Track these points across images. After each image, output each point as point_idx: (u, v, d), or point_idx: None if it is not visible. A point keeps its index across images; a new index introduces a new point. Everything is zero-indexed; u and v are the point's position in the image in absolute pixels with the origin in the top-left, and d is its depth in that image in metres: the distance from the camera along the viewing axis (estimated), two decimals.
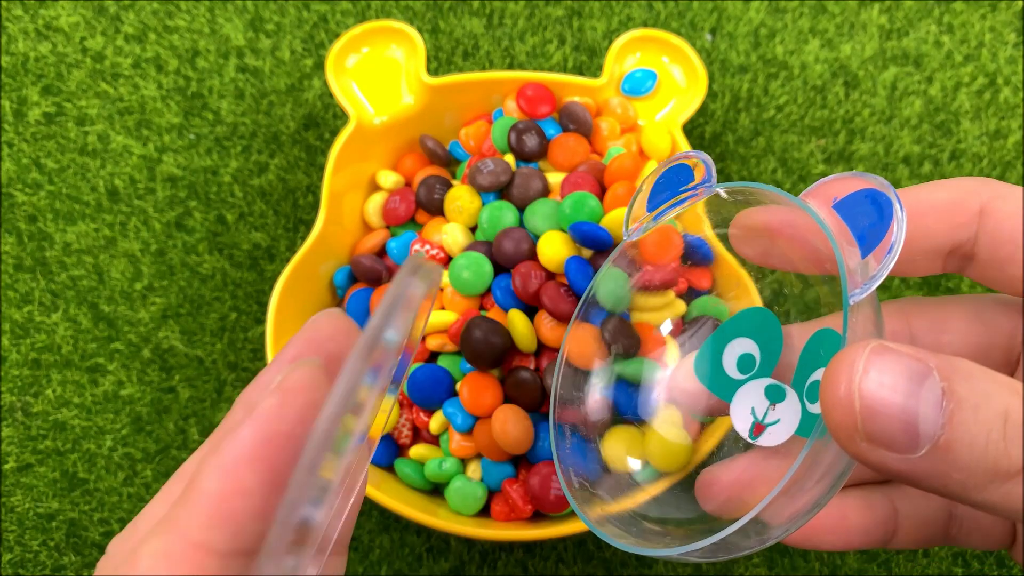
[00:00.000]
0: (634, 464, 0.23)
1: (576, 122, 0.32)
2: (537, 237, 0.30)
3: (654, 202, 0.23)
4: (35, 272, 0.35)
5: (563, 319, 0.28)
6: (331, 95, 0.38)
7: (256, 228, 0.36)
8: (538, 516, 0.30)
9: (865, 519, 0.21)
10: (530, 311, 0.29)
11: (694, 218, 0.23)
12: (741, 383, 0.22)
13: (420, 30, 0.39)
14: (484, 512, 0.30)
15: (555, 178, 0.31)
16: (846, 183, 0.18)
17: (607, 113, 0.34)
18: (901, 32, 0.40)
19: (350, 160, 0.33)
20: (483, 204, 0.31)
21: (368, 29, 0.34)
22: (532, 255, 0.29)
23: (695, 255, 0.24)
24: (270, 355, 0.29)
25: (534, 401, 0.28)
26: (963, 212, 0.19)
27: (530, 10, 0.40)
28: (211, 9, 0.39)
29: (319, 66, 0.39)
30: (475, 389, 0.28)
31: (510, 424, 0.28)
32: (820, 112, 0.39)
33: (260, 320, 0.35)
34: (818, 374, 0.20)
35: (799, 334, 0.21)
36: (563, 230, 0.29)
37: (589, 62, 0.40)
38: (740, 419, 0.22)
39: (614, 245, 0.28)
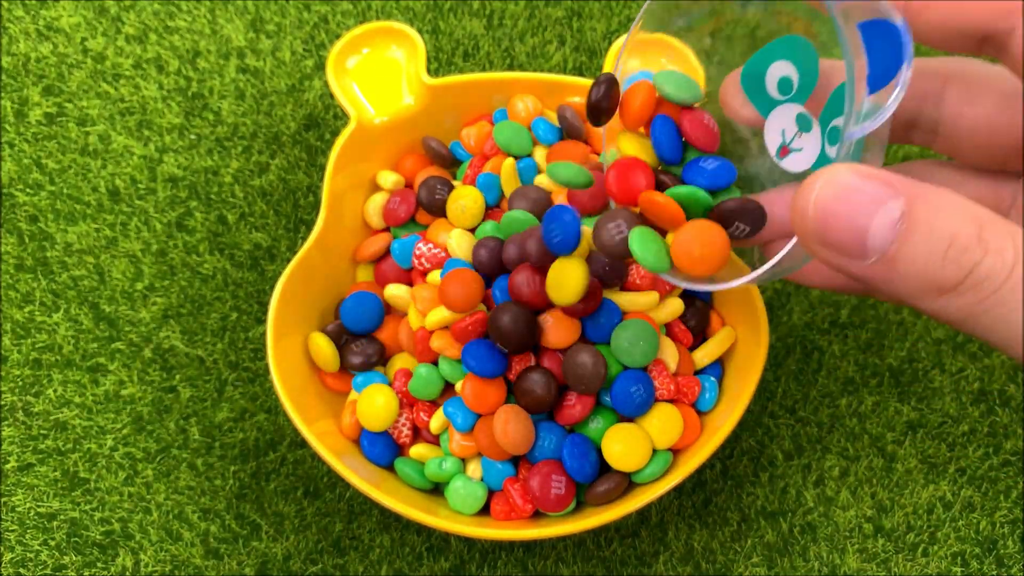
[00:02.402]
0: None
1: (568, 129, 0.33)
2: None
3: None
4: (36, 272, 0.35)
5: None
6: (332, 96, 0.38)
7: (257, 228, 0.37)
8: (538, 515, 0.30)
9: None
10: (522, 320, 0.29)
11: None
12: (777, 103, 0.23)
13: (420, 31, 0.40)
14: (484, 512, 0.30)
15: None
16: (878, 4, 0.19)
17: None
18: None
19: (350, 160, 0.33)
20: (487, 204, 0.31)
21: (369, 30, 0.34)
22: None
23: None
24: (270, 355, 0.29)
25: (543, 404, 0.28)
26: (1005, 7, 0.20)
27: (530, 11, 0.40)
28: (212, 10, 0.39)
29: (320, 67, 0.39)
30: (478, 388, 0.28)
31: (511, 424, 0.28)
32: None
33: (261, 320, 0.35)
34: (837, 122, 0.21)
35: (836, 72, 0.23)
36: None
37: (589, 63, 0.40)
38: (771, 137, 0.23)
39: None
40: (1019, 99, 0.21)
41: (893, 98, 0.18)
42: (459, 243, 0.30)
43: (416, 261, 0.31)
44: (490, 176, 0.32)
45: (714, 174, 0.24)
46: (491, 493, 0.30)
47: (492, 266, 0.29)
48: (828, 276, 0.25)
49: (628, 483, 0.29)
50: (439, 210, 0.32)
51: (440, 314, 0.29)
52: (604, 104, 0.25)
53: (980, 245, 0.17)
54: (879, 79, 0.19)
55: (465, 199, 0.31)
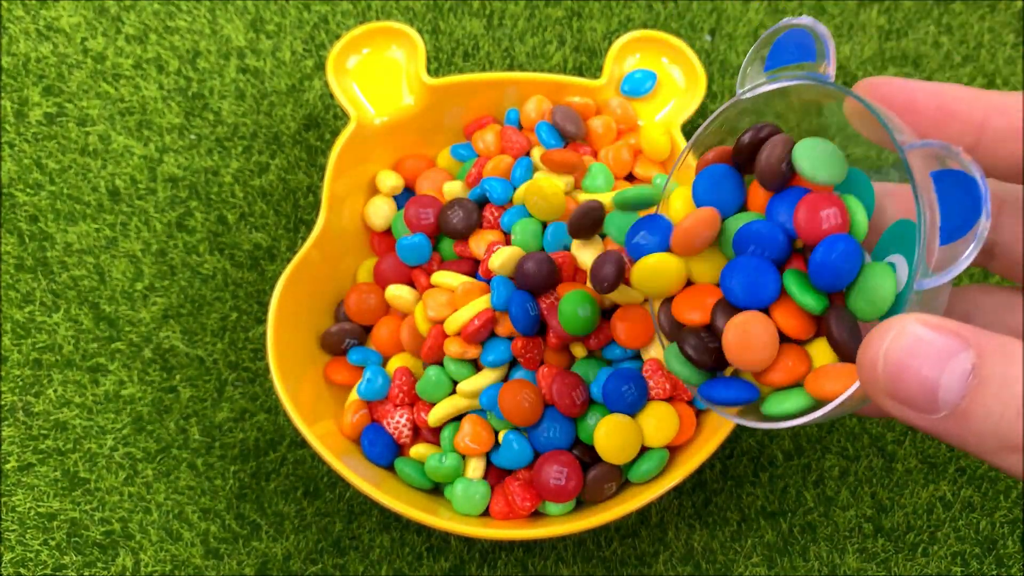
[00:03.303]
0: None
1: (567, 134, 0.33)
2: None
3: (773, 63, 0.22)
4: (36, 272, 0.35)
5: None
6: (332, 96, 0.38)
7: (257, 228, 0.37)
8: (538, 515, 0.30)
9: None
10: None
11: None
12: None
13: (420, 31, 0.40)
14: (484, 511, 0.30)
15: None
16: (951, 156, 0.18)
17: (606, 113, 0.34)
18: (900, 33, 0.40)
19: (350, 161, 0.33)
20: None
21: (369, 30, 0.34)
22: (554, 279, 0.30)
23: None
24: (271, 355, 0.29)
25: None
26: (965, 122, 0.20)
27: (530, 11, 0.40)
28: (212, 10, 0.39)
29: (320, 67, 0.39)
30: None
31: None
32: None
33: (261, 320, 0.35)
34: (894, 257, 0.21)
35: (893, 204, 0.22)
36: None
37: (589, 63, 0.40)
38: None
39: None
40: None
41: (968, 253, 0.17)
42: (502, 260, 0.30)
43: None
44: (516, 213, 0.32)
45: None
46: (492, 494, 0.30)
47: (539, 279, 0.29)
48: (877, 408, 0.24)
49: (622, 477, 0.29)
50: (462, 235, 0.32)
51: (462, 317, 0.29)
52: (612, 283, 0.26)
53: None
54: (954, 232, 0.18)
55: (543, 189, 0.31)
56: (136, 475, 0.33)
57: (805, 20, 0.21)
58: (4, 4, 0.39)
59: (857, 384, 0.19)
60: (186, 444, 0.34)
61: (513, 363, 0.30)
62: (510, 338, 0.30)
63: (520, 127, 0.34)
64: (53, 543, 0.32)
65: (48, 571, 0.32)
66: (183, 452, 0.33)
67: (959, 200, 0.18)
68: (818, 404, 0.20)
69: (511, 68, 0.40)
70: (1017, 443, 0.16)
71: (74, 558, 0.32)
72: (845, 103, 0.21)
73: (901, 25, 0.40)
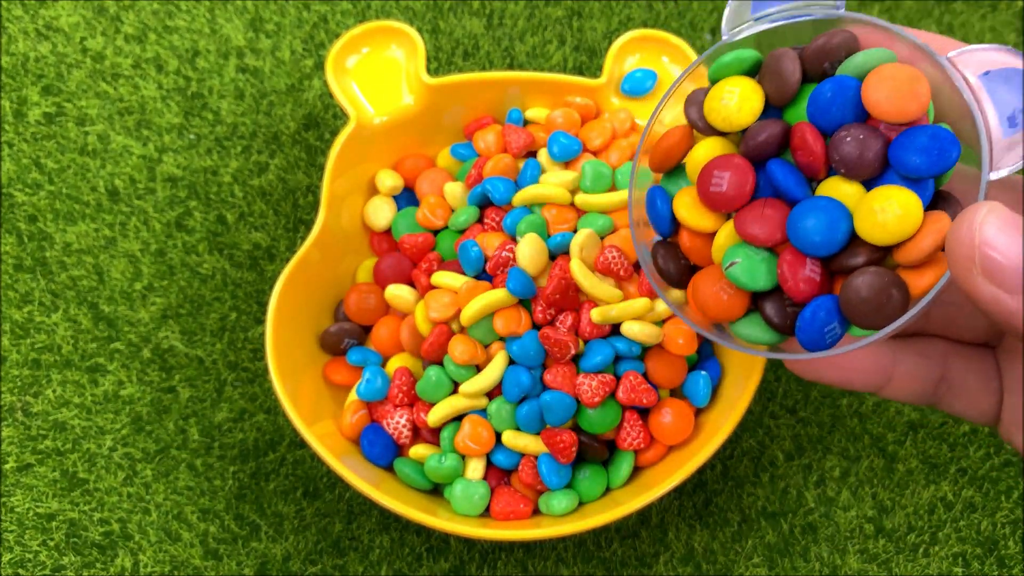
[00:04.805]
0: None
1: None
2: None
3: (761, 6, 0.22)
4: (35, 272, 0.35)
5: None
6: (331, 95, 0.38)
7: (256, 228, 0.36)
8: (538, 515, 0.30)
9: (866, 360, 0.24)
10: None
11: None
12: None
13: (420, 30, 0.39)
14: (484, 512, 0.30)
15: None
16: (993, 55, 0.19)
17: (606, 112, 0.34)
18: None
19: (350, 160, 0.33)
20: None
21: (368, 29, 0.34)
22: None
23: None
24: (270, 355, 0.29)
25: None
26: None
27: (530, 10, 0.40)
28: (211, 9, 0.39)
29: (319, 66, 0.39)
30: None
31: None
32: None
33: (260, 320, 0.35)
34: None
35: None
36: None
37: (589, 62, 0.40)
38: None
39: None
40: None
41: None
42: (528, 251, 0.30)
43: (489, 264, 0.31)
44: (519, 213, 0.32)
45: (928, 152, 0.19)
46: (491, 493, 0.30)
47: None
48: (848, 372, 0.24)
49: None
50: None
51: (478, 303, 0.29)
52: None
53: None
54: (1013, 119, 0.19)
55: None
56: (135, 475, 0.33)
57: None
58: (3, 3, 0.38)
59: (947, 275, 0.19)
60: (185, 444, 0.33)
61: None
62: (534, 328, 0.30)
63: (524, 123, 0.34)
64: (52, 544, 0.32)
65: (47, 572, 0.32)
66: (182, 452, 0.33)
67: (1009, 94, 0.18)
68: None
69: (511, 67, 0.40)
70: None
71: (73, 559, 0.32)
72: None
73: (902, 24, 0.40)
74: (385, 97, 0.34)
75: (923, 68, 0.20)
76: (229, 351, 0.35)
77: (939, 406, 0.25)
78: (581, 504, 0.30)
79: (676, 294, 0.24)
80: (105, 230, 0.36)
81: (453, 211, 0.33)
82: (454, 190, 0.33)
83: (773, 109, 0.22)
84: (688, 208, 0.22)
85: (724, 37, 0.23)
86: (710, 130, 0.22)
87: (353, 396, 0.31)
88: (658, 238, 0.24)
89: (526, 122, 0.34)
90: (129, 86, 0.38)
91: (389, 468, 0.31)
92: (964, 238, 0.17)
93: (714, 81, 0.23)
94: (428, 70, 0.38)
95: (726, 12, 0.23)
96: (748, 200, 0.21)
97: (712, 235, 0.22)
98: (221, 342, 0.35)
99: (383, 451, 0.30)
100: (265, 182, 0.37)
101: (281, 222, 0.37)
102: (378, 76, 0.34)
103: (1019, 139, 0.18)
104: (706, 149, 0.22)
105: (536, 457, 0.29)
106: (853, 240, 0.20)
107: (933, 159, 0.19)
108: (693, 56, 0.34)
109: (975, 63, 0.19)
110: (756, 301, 0.22)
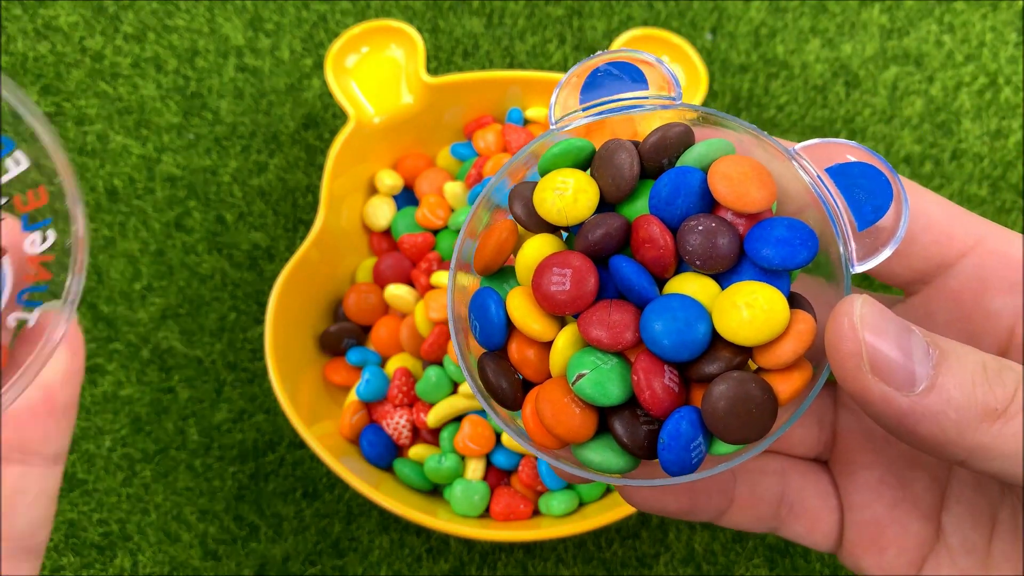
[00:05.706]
0: None
1: None
2: None
3: (590, 96, 0.21)
4: None
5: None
6: (330, 95, 0.38)
7: (255, 228, 0.36)
8: (537, 516, 0.30)
9: (710, 481, 0.22)
10: None
11: (628, 126, 0.21)
12: None
13: (420, 30, 0.39)
14: (484, 513, 0.30)
15: None
16: (839, 149, 0.18)
17: None
18: (902, 32, 0.40)
19: (349, 160, 0.33)
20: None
21: (368, 28, 0.34)
22: None
23: None
24: (269, 355, 0.29)
25: None
26: (954, 243, 0.20)
27: (530, 9, 0.40)
28: (210, 9, 0.39)
29: (318, 66, 0.39)
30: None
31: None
32: (821, 112, 0.39)
33: (259, 320, 0.35)
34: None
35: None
36: None
37: None
38: None
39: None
40: None
41: (901, 231, 0.17)
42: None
43: None
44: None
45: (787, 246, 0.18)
46: (491, 493, 0.30)
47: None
48: (691, 497, 0.22)
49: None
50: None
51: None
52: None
53: (1011, 367, 0.16)
54: (870, 216, 0.18)
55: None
56: (134, 476, 0.33)
57: (648, 57, 0.20)
58: (2, 3, 0.38)
59: (824, 376, 0.18)
60: (184, 445, 0.33)
61: None
62: None
63: (524, 123, 0.34)
64: (51, 544, 0.32)
65: (46, 572, 0.32)
66: (181, 453, 0.33)
67: (866, 187, 0.18)
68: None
69: (511, 67, 0.40)
70: (995, 405, 0.16)
71: (72, 559, 0.32)
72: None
73: (903, 24, 0.40)
74: (385, 96, 0.34)
75: (764, 160, 0.19)
76: (228, 351, 0.35)
77: (780, 531, 0.22)
78: (581, 505, 0.30)
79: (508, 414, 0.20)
80: (104, 230, 0.36)
81: (453, 211, 0.33)
82: (454, 190, 0.33)
83: (607, 205, 0.20)
84: (522, 312, 0.19)
85: (552, 127, 0.21)
86: (540, 226, 0.20)
87: (353, 396, 0.31)
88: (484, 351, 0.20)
89: (526, 121, 0.34)
90: (128, 86, 0.38)
91: (389, 469, 0.31)
92: (847, 333, 0.16)
93: (543, 173, 0.21)
94: (428, 69, 0.38)
95: (552, 101, 0.21)
96: (592, 301, 0.19)
97: (547, 345, 0.20)
98: (220, 342, 0.35)
99: (383, 451, 0.30)
100: (264, 182, 0.37)
101: (280, 222, 0.37)
102: (378, 75, 0.34)
103: (872, 232, 0.18)
104: (537, 246, 0.20)
105: (536, 458, 0.29)
106: (713, 343, 0.18)
107: (796, 250, 0.18)
108: (693, 56, 0.34)
109: (821, 157, 0.18)
110: (606, 419, 0.19)
